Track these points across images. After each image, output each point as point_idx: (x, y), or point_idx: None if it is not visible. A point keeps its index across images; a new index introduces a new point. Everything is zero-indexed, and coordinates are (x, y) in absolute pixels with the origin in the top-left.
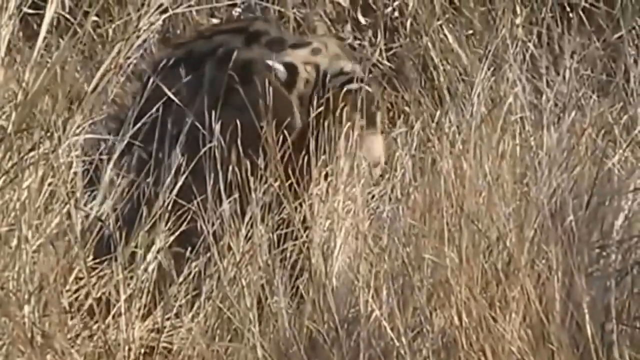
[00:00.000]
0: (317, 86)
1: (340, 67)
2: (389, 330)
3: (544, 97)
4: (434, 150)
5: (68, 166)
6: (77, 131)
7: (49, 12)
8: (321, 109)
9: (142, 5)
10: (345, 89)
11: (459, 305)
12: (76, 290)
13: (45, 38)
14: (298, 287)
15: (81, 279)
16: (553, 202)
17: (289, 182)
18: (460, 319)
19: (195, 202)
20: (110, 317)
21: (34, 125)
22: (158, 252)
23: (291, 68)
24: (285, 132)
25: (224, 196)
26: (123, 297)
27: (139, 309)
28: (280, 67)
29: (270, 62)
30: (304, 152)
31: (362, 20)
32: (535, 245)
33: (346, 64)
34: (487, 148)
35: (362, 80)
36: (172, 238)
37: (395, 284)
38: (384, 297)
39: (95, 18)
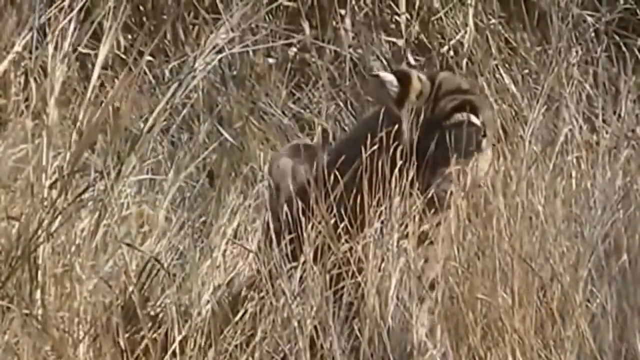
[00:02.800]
0: (430, 99)
1: (456, 82)
2: None
3: (599, 136)
4: (488, 189)
5: (122, 206)
6: (132, 172)
7: (103, 51)
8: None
9: (198, 45)
10: (454, 119)
11: (513, 344)
12: (131, 331)
13: (99, 77)
14: (352, 328)
15: (136, 320)
16: (607, 241)
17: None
18: (514, 358)
19: (250, 242)
20: (165, 358)
21: (89, 166)
22: (213, 292)
23: (403, 76)
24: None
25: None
26: (178, 337)
27: (194, 350)
28: (387, 75)
29: (379, 72)
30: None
31: (414, 60)
32: (589, 285)
33: (461, 79)
34: (541, 187)
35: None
36: (227, 279)
37: (449, 323)
38: (439, 336)
39: (150, 58)
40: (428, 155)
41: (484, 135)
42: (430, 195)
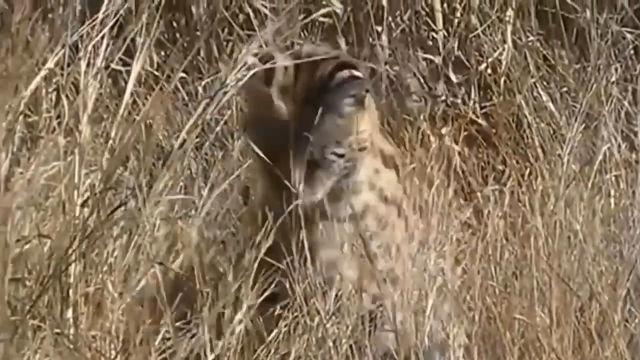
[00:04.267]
0: (300, 71)
1: (324, 50)
2: None
3: (638, 155)
4: (526, 208)
5: (154, 225)
6: (164, 189)
7: (136, 68)
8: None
9: (233, 61)
10: (338, 78)
11: None
12: (163, 351)
13: (132, 94)
14: (388, 349)
15: (168, 339)
16: None
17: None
18: None
19: (284, 261)
20: None
21: (121, 183)
22: (246, 311)
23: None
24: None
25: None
26: (211, 357)
27: None
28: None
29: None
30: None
31: (454, 77)
32: (628, 305)
33: (327, 47)
34: (579, 206)
35: (352, 67)
36: (261, 298)
37: (486, 343)
38: (476, 356)
39: (184, 74)
40: (316, 121)
41: (367, 91)
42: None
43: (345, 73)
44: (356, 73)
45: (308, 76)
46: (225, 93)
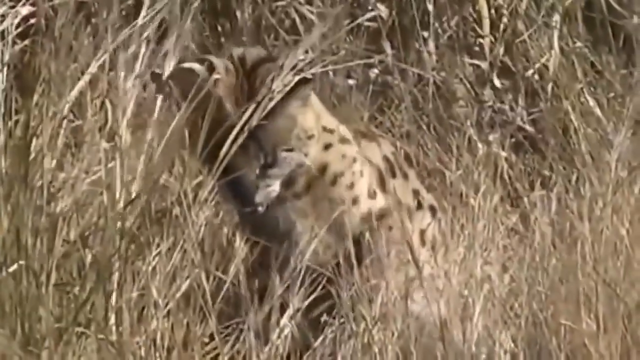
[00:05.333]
0: (239, 74)
1: (256, 53)
2: None
3: None
4: (573, 214)
5: (199, 230)
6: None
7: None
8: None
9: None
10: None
11: None
12: (208, 356)
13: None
14: (435, 355)
15: (214, 348)
16: None
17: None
18: None
19: (329, 266)
20: None
21: (166, 189)
22: (292, 317)
23: (206, 63)
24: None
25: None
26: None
27: None
28: (194, 65)
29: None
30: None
31: (500, 83)
32: None
33: (259, 49)
34: (626, 212)
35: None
36: (306, 303)
37: (532, 349)
38: None
39: None
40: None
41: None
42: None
43: (293, 77)
44: (307, 76)
45: (248, 80)
46: (271, 99)
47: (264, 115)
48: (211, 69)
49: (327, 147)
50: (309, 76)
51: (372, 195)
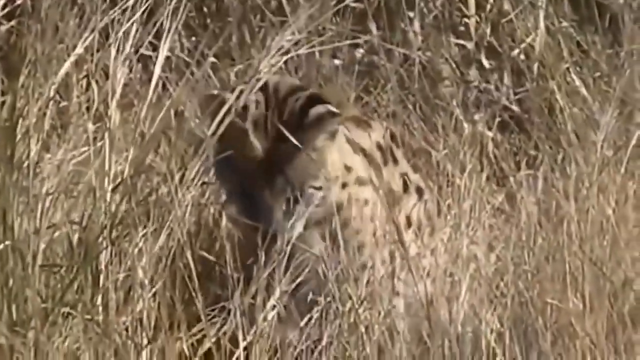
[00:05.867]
0: (270, 106)
1: (289, 82)
2: None
3: None
4: (559, 194)
5: (185, 211)
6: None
7: (163, 52)
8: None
9: (264, 48)
10: (313, 115)
11: (584, 350)
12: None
13: (162, 80)
14: (421, 334)
15: (200, 330)
16: None
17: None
18: None
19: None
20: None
21: (152, 169)
22: (279, 297)
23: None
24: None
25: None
26: (243, 343)
27: (260, 355)
28: (224, 93)
29: (216, 92)
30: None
31: (487, 63)
32: None
33: (293, 79)
34: (612, 192)
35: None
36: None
37: (519, 328)
38: (508, 341)
39: (214, 60)
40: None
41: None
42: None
43: (319, 109)
44: (330, 108)
45: (278, 111)
46: (258, 80)
47: (291, 148)
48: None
49: (344, 185)
50: (336, 110)
51: (376, 242)
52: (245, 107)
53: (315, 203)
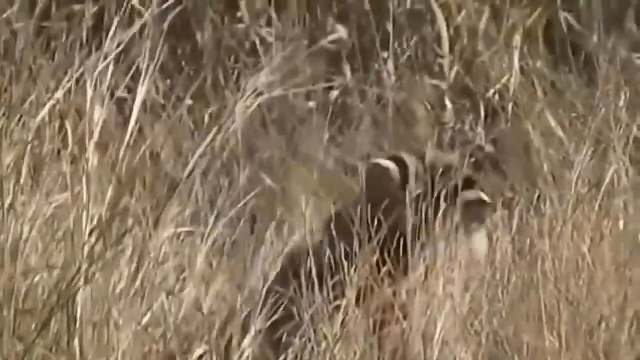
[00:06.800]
0: (423, 181)
1: (445, 159)
2: None
3: None
4: (533, 232)
5: (162, 256)
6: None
7: (140, 95)
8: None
9: (239, 89)
10: (461, 199)
11: None
12: None
13: (138, 122)
14: None
15: None
16: None
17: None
18: None
19: (291, 287)
20: None
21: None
22: (254, 338)
23: (399, 162)
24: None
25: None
26: None
27: None
28: (389, 163)
29: (378, 160)
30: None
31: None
32: (636, 326)
33: (447, 155)
34: (588, 229)
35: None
36: (267, 324)
37: None
38: None
39: (190, 102)
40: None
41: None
42: None
43: (472, 195)
44: (483, 196)
45: (432, 189)
46: (234, 121)
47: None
48: (403, 167)
49: None
50: (488, 199)
51: None
52: (405, 179)
53: None
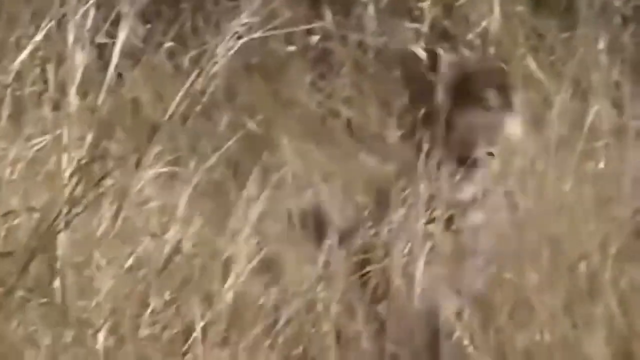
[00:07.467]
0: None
1: (485, 59)
2: (471, 351)
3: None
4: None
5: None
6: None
7: (120, 40)
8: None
9: (219, 33)
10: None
11: (541, 324)
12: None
13: (118, 67)
14: (378, 312)
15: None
16: (637, 219)
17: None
18: (543, 338)
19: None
20: (186, 346)
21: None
22: (235, 279)
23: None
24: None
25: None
26: (199, 325)
27: (217, 336)
28: (421, 52)
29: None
30: None
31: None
32: (618, 262)
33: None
34: (569, 169)
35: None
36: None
37: (476, 304)
38: (466, 317)
39: (170, 44)
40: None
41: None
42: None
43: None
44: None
45: (464, 84)
46: (214, 64)
47: None
48: (435, 58)
49: None
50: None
51: None
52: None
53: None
